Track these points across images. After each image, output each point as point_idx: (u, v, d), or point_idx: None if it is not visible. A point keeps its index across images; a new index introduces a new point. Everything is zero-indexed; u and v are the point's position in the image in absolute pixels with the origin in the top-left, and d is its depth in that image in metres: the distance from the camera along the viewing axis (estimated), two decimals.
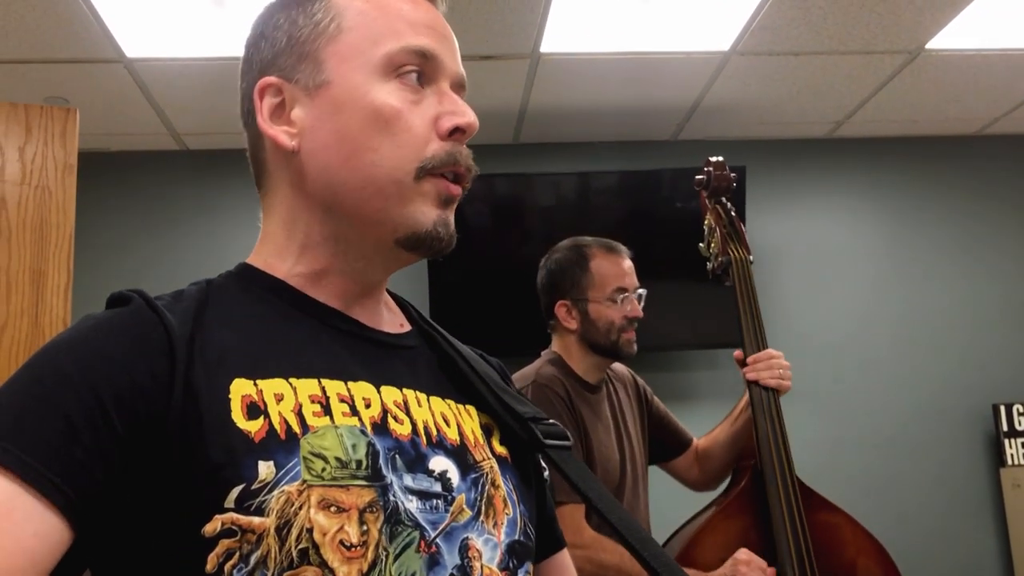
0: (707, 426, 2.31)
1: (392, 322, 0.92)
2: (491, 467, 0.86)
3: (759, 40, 3.16)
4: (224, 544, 0.68)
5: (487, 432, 0.90)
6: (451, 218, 0.86)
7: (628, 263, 2.22)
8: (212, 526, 0.68)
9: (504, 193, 3.92)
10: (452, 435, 0.84)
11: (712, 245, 2.20)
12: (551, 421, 0.96)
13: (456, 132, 0.85)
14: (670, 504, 2.39)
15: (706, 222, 2.23)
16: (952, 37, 3.18)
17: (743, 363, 2.06)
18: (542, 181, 3.92)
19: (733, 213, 2.21)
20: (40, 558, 0.65)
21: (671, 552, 1.97)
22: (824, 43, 3.19)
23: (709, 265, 2.22)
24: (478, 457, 0.85)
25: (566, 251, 2.25)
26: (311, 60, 0.84)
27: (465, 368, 0.93)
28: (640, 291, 2.21)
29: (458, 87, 0.88)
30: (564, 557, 1.01)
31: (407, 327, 0.93)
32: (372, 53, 0.83)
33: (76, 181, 2.22)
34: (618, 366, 2.32)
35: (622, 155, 4.03)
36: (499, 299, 3.77)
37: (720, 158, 2.23)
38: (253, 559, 0.68)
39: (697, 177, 2.25)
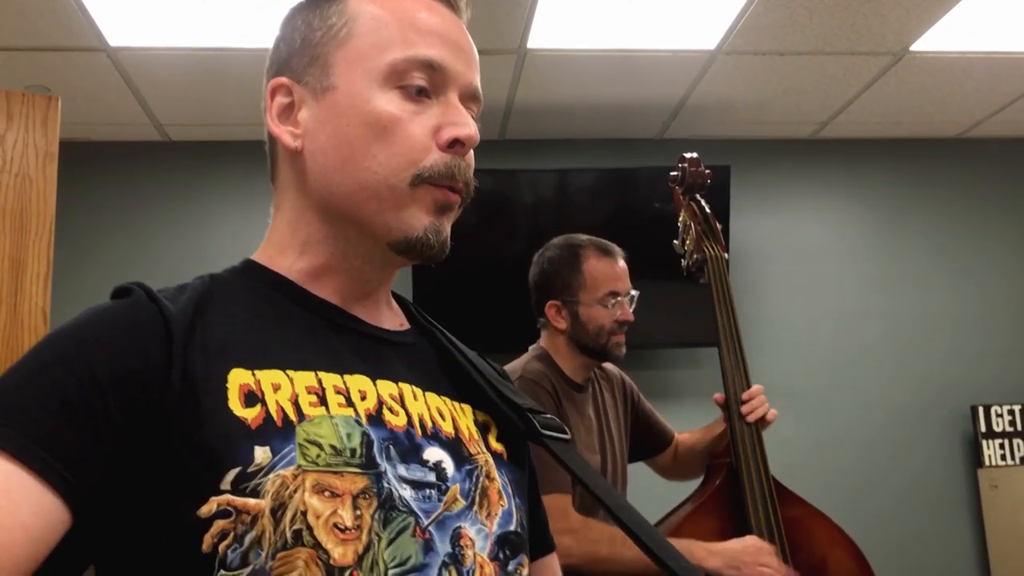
0: (687, 424, 2.32)
1: (392, 320, 0.93)
2: (486, 460, 0.87)
3: (745, 40, 3.17)
4: (219, 525, 0.69)
5: (483, 429, 0.92)
6: (445, 226, 0.87)
7: (622, 265, 2.19)
8: (208, 507, 0.69)
9: (488, 189, 3.91)
10: (447, 428, 0.86)
11: (687, 242, 2.19)
12: (549, 415, 0.97)
13: (455, 144, 0.85)
14: (647, 502, 2.40)
15: (681, 219, 2.23)
16: (936, 39, 3.20)
17: (725, 404, 2.07)
18: (527, 177, 3.91)
19: (708, 211, 2.21)
20: (38, 535, 0.66)
21: None
22: (809, 43, 3.20)
23: (683, 262, 2.22)
24: (472, 450, 0.86)
25: (559, 249, 2.21)
26: (320, 63, 0.86)
27: (464, 363, 0.95)
28: (632, 293, 2.19)
29: (470, 98, 0.89)
30: (553, 561, 1.02)
31: (406, 325, 0.95)
32: (378, 60, 0.84)
33: (57, 170, 2.20)
34: (608, 366, 2.32)
35: (607, 152, 4.03)
36: (483, 295, 3.76)
37: (695, 155, 2.23)
38: (248, 539, 0.69)
39: (672, 173, 2.25)
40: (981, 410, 3.92)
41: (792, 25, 3.06)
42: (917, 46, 3.24)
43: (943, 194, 4.21)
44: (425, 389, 0.87)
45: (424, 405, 0.85)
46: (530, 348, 2.24)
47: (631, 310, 2.18)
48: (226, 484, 0.70)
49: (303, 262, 0.87)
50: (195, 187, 3.86)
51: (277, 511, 0.70)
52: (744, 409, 2.02)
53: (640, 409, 2.35)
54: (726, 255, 2.14)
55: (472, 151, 0.89)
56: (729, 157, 3.83)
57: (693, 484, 2.22)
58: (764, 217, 4.07)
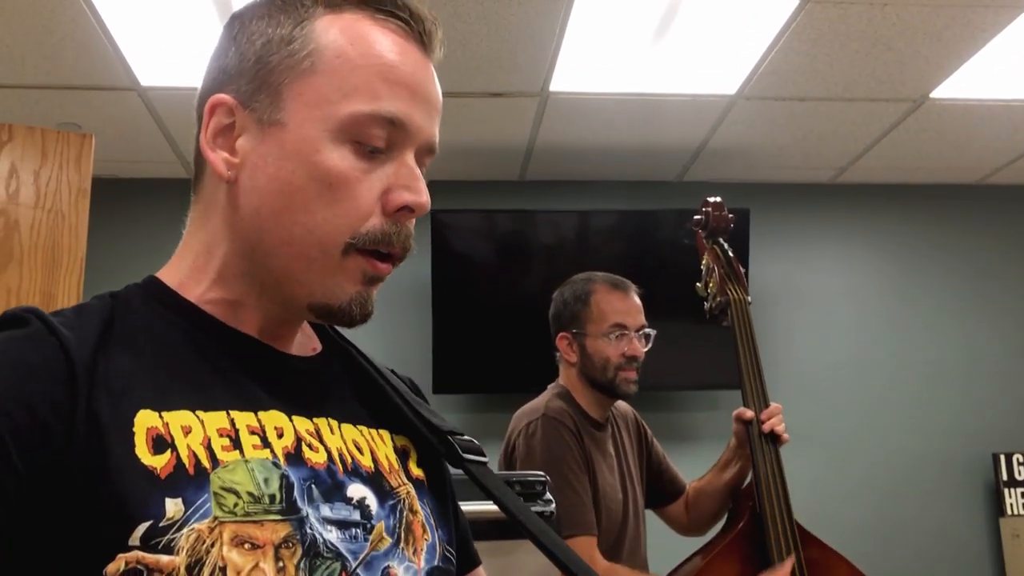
0: (706, 467, 2.31)
1: (303, 346, 0.87)
2: (407, 492, 0.83)
3: (765, 85, 3.20)
4: None
5: (403, 455, 0.87)
6: (372, 295, 0.80)
7: (633, 301, 2.21)
8: (115, 566, 0.64)
9: (508, 230, 3.94)
10: (367, 462, 0.81)
11: (710, 285, 2.20)
12: (468, 438, 0.95)
13: (403, 210, 0.78)
14: (668, 543, 2.39)
15: (704, 262, 2.24)
16: (956, 87, 3.22)
17: (745, 420, 2.04)
18: (546, 218, 3.94)
19: (731, 254, 2.22)
20: None
21: None
22: (830, 90, 3.23)
23: (706, 305, 2.23)
24: (394, 483, 0.82)
25: (574, 284, 2.26)
26: (272, 93, 0.78)
27: (382, 383, 0.91)
28: (647, 331, 2.20)
29: (426, 152, 0.82)
30: (479, 574, 0.99)
31: (319, 348, 0.89)
32: (338, 108, 0.76)
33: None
34: (621, 404, 2.32)
35: (626, 195, 4.06)
36: (501, 335, 3.78)
37: (718, 199, 2.25)
38: None
39: (695, 217, 2.27)
40: (1003, 458, 3.89)
41: (812, 71, 3.10)
42: (937, 93, 3.26)
43: (961, 241, 4.21)
44: (341, 421, 0.82)
45: (341, 439, 0.81)
46: (549, 387, 2.25)
47: (645, 348, 2.18)
48: (135, 540, 0.64)
49: (216, 292, 0.80)
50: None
51: (193, 568, 0.65)
52: (763, 416, 2.00)
53: (654, 453, 2.35)
54: (749, 298, 2.15)
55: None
56: (748, 201, 3.84)
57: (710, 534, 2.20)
58: (783, 261, 4.08)
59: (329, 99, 0.76)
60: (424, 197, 0.79)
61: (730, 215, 2.23)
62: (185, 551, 0.65)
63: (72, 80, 3.06)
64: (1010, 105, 3.40)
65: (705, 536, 2.21)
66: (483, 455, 0.95)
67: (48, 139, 2.22)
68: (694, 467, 2.40)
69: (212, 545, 0.66)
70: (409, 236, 0.80)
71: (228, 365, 0.78)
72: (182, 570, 0.65)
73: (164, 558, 0.64)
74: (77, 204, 2.18)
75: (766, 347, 2.11)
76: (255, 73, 0.78)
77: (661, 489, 2.33)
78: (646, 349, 2.20)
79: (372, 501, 0.78)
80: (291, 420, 0.78)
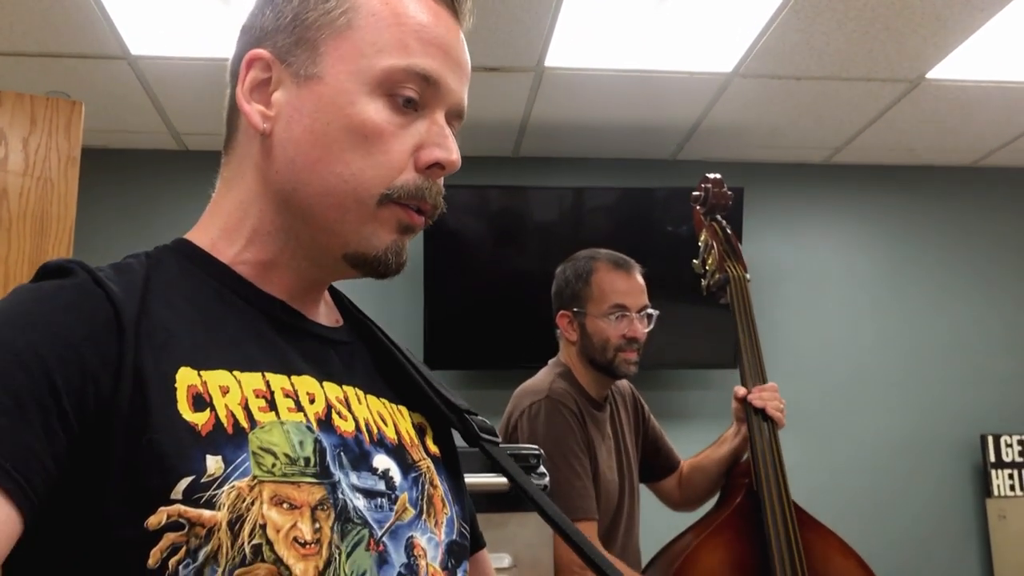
0: (698, 446, 2.32)
1: (328, 316, 0.89)
2: (428, 466, 0.85)
3: (762, 63, 3.18)
4: (169, 538, 0.65)
5: (420, 432, 0.89)
6: (405, 245, 0.82)
7: (636, 280, 2.18)
8: (157, 518, 0.64)
9: (501, 206, 3.92)
10: (391, 434, 0.83)
11: (708, 262, 2.19)
12: (482, 418, 0.96)
13: (435, 167, 0.81)
14: (659, 518, 2.39)
15: (702, 239, 2.23)
16: (952, 68, 3.21)
17: (743, 398, 2.04)
18: (539, 195, 3.92)
19: (729, 231, 2.21)
20: None
21: (665, 568, 1.97)
22: (826, 69, 3.22)
23: (704, 282, 2.21)
24: (415, 457, 0.84)
25: (576, 261, 2.23)
26: (309, 48, 0.80)
27: (402, 360, 0.92)
28: (649, 311, 2.18)
29: (455, 116, 0.84)
30: (483, 556, 1.01)
31: (341, 322, 0.91)
32: (373, 62, 0.78)
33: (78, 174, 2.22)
34: (621, 380, 2.31)
35: (621, 172, 4.04)
36: (493, 312, 3.77)
37: (718, 176, 2.24)
38: (202, 554, 0.65)
39: (694, 193, 2.25)
40: (991, 439, 3.91)
41: (809, 50, 3.08)
42: (933, 74, 3.25)
43: (955, 222, 4.21)
44: (367, 392, 0.84)
45: (367, 409, 0.82)
46: (550, 362, 2.24)
47: (647, 329, 2.16)
48: (177, 494, 0.65)
49: (249, 253, 0.82)
50: (210, 197, 3.88)
51: (235, 524, 0.66)
52: (752, 396, 2.00)
53: (650, 427, 2.35)
54: (748, 275, 2.14)
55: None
56: (743, 180, 3.83)
57: (702, 511, 2.20)
58: (776, 240, 4.07)
59: (364, 53, 0.79)
60: (455, 155, 0.81)
61: (729, 192, 2.22)
62: (227, 507, 0.66)
63: (61, 48, 3.02)
64: (1006, 87, 3.39)
65: (695, 513, 2.21)
66: (496, 435, 0.96)
67: (37, 106, 2.19)
68: (687, 445, 2.40)
69: (252, 503, 0.67)
70: (440, 193, 0.82)
71: (262, 327, 0.79)
72: (224, 526, 0.65)
73: (207, 513, 0.65)
74: (66, 172, 2.16)
75: (759, 326, 2.10)
76: (292, 29, 0.81)
77: (655, 464, 2.33)
78: (648, 330, 2.17)
79: (396, 473, 0.80)
80: (322, 386, 0.79)
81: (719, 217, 2.21)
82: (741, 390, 2.03)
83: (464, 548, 0.86)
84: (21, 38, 2.93)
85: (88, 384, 0.66)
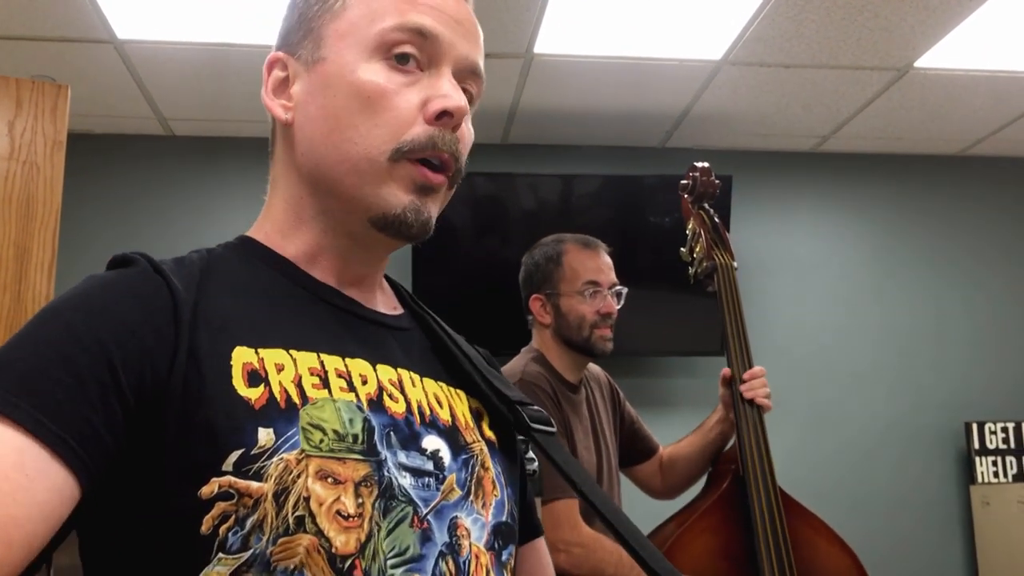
0: (682, 433, 2.33)
1: (386, 304, 0.93)
2: (481, 449, 0.87)
3: (751, 51, 3.18)
4: (220, 507, 0.68)
5: (477, 416, 0.91)
6: (428, 205, 0.84)
7: (604, 259, 2.21)
8: (209, 488, 0.68)
9: (489, 193, 3.92)
10: (444, 416, 0.85)
11: (696, 250, 2.20)
12: (536, 407, 0.97)
13: (443, 116, 0.82)
14: (643, 505, 2.40)
15: (689, 227, 2.23)
16: (940, 56, 3.22)
17: (730, 381, 2.05)
18: (528, 181, 3.92)
19: (717, 219, 2.22)
20: (50, 512, 0.64)
21: None
22: (815, 57, 3.22)
23: (691, 270, 2.22)
24: (469, 439, 0.86)
25: (544, 246, 2.25)
26: (314, 37, 0.85)
27: (456, 351, 0.94)
28: (619, 288, 2.20)
29: (468, 74, 0.87)
30: (541, 544, 1.02)
31: (400, 310, 0.94)
32: (368, 30, 0.83)
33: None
34: (593, 367, 2.32)
35: (609, 159, 4.04)
36: (480, 298, 3.77)
37: (706, 164, 2.24)
38: (249, 523, 0.68)
39: (682, 182, 2.26)
40: (975, 427, 3.93)
41: (799, 38, 3.08)
42: (921, 62, 3.26)
43: (942, 211, 4.23)
44: (423, 375, 0.87)
45: (422, 391, 0.85)
46: (523, 350, 2.25)
47: (618, 305, 2.19)
48: (228, 465, 0.68)
49: (299, 243, 0.86)
50: (197, 182, 3.86)
51: (280, 495, 0.69)
52: (743, 387, 2.01)
53: (625, 412, 2.36)
54: (735, 263, 2.15)
55: (470, 130, 0.88)
56: (731, 168, 3.84)
57: (685, 499, 2.21)
58: (764, 229, 4.08)
59: (359, 26, 0.83)
60: (459, 100, 0.83)
61: (717, 181, 2.23)
62: (273, 479, 0.69)
63: (47, 32, 2.99)
64: (994, 75, 3.40)
65: (677, 501, 2.22)
66: (551, 425, 0.98)
67: (23, 89, 2.18)
68: (671, 433, 2.41)
69: (298, 476, 0.70)
70: (456, 142, 0.84)
71: (318, 312, 0.83)
72: (269, 496, 0.69)
73: (254, 484, 0.69)
74: (52, 156, 2.15)
75: (746, 314, 2.11)
76: (299, 25, 0.87)
77: (633, 448, 2.34)
78: (619, 307, 2.20)
79: (446, 453, 0.82)
80: (375, 369, 0.82)
81: (707, 205, 2.22)
82: (728, 372, 2.05)
83: (513, 532, 0.88)
84: (7, 21, 2.90)
85: (145, 364, 0.70)
